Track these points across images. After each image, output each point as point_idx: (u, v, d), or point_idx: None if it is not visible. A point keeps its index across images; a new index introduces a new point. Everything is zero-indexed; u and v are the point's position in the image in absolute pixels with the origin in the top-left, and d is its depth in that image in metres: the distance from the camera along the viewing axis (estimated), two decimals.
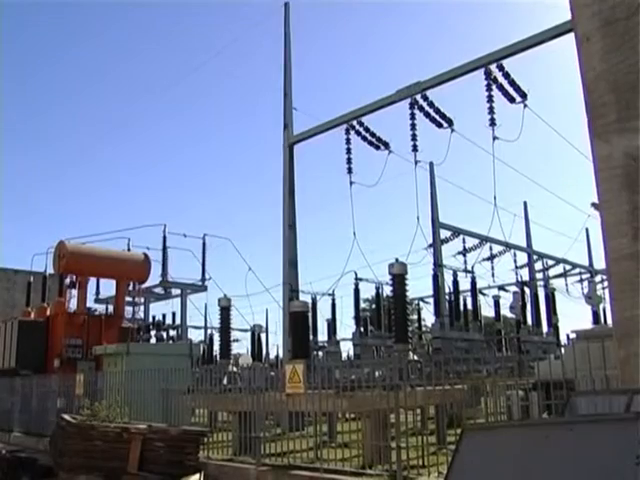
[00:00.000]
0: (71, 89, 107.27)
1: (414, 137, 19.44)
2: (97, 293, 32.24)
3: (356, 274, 25.73)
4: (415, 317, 36.09)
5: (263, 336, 34.14)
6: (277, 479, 10.88)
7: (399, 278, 13.70)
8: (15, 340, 23.05)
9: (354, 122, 21.00)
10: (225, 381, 15.95)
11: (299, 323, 15.77)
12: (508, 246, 30.25)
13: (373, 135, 21.25)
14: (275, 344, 49.39)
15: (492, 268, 31.32)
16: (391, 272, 13.88)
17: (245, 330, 35.30)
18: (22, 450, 16.05)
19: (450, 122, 19.99)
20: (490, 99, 17.99)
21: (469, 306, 27.22)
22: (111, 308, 26.45)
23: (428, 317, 34.40)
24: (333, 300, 28.74)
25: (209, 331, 36.20)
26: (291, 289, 21.11)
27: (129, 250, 27.49)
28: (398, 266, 13.78)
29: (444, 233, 26.27)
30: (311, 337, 22.71)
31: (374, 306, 39.41)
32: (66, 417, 13.90)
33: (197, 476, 11.44)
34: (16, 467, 13.84)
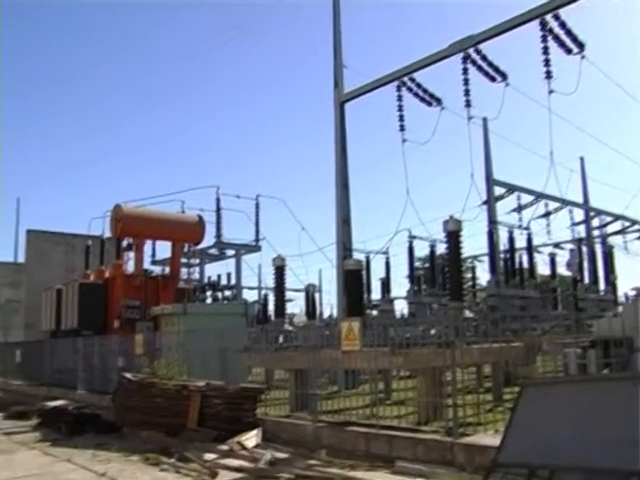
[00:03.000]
0: (130, 47, 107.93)
1: (467, 92, 19.05)
2: (153, 255, 32.77)
3: (410, 232, 25.58)
4: (469, 276, 35.81)
5: (317, 296, 34.37)
6: (334, 435, 10.98)
7: (454, 235, 13.54)
8: (76, 302, 23.65)
9: (405, 78, 20.65)
10: (281, 340, 16.14)
11: (353, 281, 15.78)
12: (564, 202, 29.64)
13: (425, 91, 20.88)
14: (329, 303, 49.64)
15: (548, 225, 30.76)
16: (446, 229, 13.72)
17: (298, 290, 35.58)
18: (86, 407, 16.55)
19: (504, 76, 19.51)
20: (546, 51, 17.47)
21: (524, 264, 26.85)
22: (167, 270, 26.86)
23: (481, 276, 34.01)
24: (387, 258, 28.65)
25: (263, 291, 36.60)
26: (345, 248, 21.09)
27: (183, 212, 27.77)
28: (453, 223, 13.62)
29: (498, 190, 25.83)
30: (365, 296, 22.71)
31: (427, 265, 39.17)
32: (127, 375, 14.26)
33: (255, 432, 11.63)
34: (82, 422, 14.28)
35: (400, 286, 34.02)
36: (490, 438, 9.11)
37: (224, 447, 11.01)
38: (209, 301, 30.47)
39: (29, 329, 35.65)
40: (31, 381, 25.90)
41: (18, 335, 38.96)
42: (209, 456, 10.55)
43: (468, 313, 14.35)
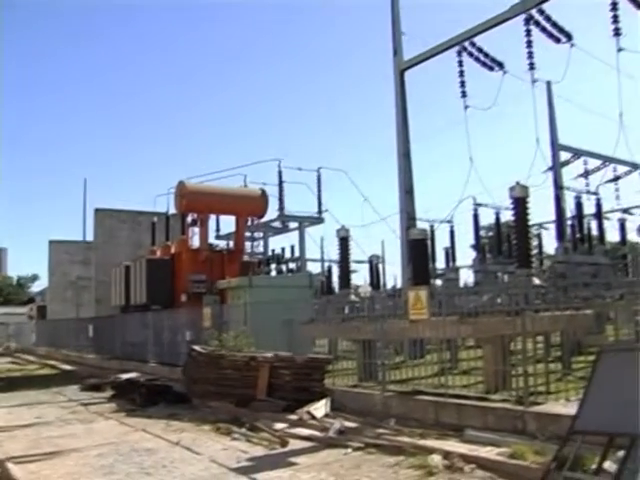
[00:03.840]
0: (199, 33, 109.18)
1: (530, 55, 18.56)
2: (217, 230, 33.16)
3: (475, 200, 25.22)
4: (535, 243, 35.11)
5: (380, 266, 34.28)
6: (402, 404, 10.98)
7: (520, 201, 13.24)
8: (144, 278, 24.17)
9: (466, 43, 20.23)
10: (346, 311, 16.17)
11: (418, 250, 15.68)
12: (635, 166, 28.72)
13: (486, 56, 20.44)
14: (392, 274, 49.50)
15: (616, 190, 29.84)
16: (512, 195, 13.43)
17: (361, 261, 35.52)
18: (157, 378, 16.95)
19: (569, 36, 18.94)
20: (614, 7, 16.88)
21: (592, 230, 26.21)
22: (232, 244, 27.16)
23: (547, 244, 33.30)
24: (451, 227, 28.34)
25: (326, 263, 36.68)
26: (408, 217, 20.93)
27: (246, 186, 27.97)
28: (519, 189, 13.31)
29: (564, 155, 25.20)
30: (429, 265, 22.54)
31: (490, 234, 38.59)
32: (196, 348, 14.53)
33: (323, 402, 11.71)
34: (154, 394, 14.64)
35: (462, 256, 33.66)
36: (561, 407, 8.99)
37: (293, 417, 11.13)
38: (273, 274, 30.74)
39: (100, 305, 36.61)
40: (103, 355, 26.69)
41: (89, 311, 40.09)
42: (279, 425, 10.69)
43: (536, 280, 14.09)
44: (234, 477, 7.70)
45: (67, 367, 27.91)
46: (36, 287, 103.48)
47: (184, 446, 9.64)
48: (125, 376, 17.39)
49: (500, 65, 20.50)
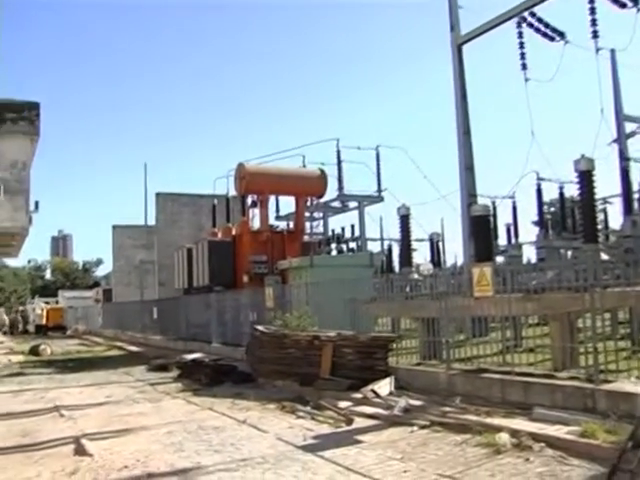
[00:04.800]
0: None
1: (594, 22, 18.02)
2: (277, 210, 33.26)
3: (538, 174, 24.67)
4: (600, 218, 34.22)
5: (440, 244, 33.93)
6: (468, 382, 10.88)
7: (586, 175, 12.93)
8: (207, 259, 24.48)
9: (526, 14, 19.75)
10: (408, 289, 16.06)
11: (481, 227, 15.48)
12: None
13: (547, 26, 19.91)
14: (452, 252, 49.07)
15: None
16: (577, 169, 13.12)
17: (421, 240, 35.24)
18: (222, 358, 17.20)
19: (635, 1, 18.27)
20: None
21: None
22: (292, 224, 27.25)
23: (612, 219, 32.37)
24: (513, 203, 27.83)
25: (386, 242, 36.49)
26: (469, 194, 20.66)
27: (304, 167, 27.97)
28: (585, 162, 12.98)
29: (629, 127, 24.42)
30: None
31: (553, 209, 37.77)
32: (260, 328, 14.66)
33: (387, 380, 11.69)
34: (219, 373, 14.86)
35: (524, 232, 33.04)
36: (633, 385, 8.78)
37: (357, 395, 11.15)
38: (334, 253, 30.74)
39: (163, 287, 37.29)
40: (168, 336, 27.20)
41: (153, 293, 40.86)
42: (343, 404, 10.73)
43: (604, 256, 13.76)
44: (301, 454, 7.75)
45: (133, 348, 28.56)
46: (101, 271, 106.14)
47: (250, 424, 9.76)
48: (190, 356, 17.69)
49: (561, 35, 19.97)
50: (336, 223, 36.05)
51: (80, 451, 8.25)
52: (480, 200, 21.73)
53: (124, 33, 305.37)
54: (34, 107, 37.33)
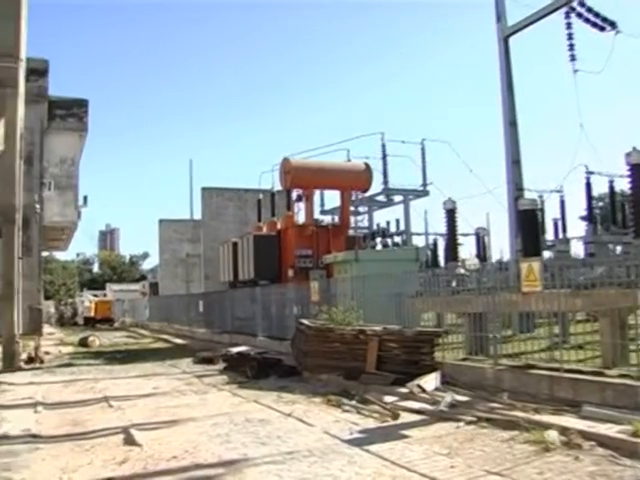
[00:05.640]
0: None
1: None
2: (322, 205, 33.32)
3: (587, 168, 24.22)
4: None
5: (486, 239, 33.59)
6: (515, 379, 10.75)
7: (637, 168, 12.62)
8: (252, 253, 24.62)
9: (575, 3, 19.38)
10: (454, 283, 15.92)
11: (529, 221, 15.26)
12: None
13: (597, 15, 19.50)
14: (497, 246, 48.52)
15: None
16: (628, 162, 12.82)
17: (466, 234, 34.95)
18: (267, 352, 17.32)
19: None
20: None
21: None
22: (336, 218, 27.25)
23: None
24: (561, 197, 27.42)
25: (431, 237, 36.27)
26: (516, 188, 20.39)
27: (349, 161, 27.92)
28: (636, 154, 12.67)
29: None
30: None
31: (601, 204, 37.06)
32: (305, 322, 14.70)
33: (434, 375, 11.63)
34: (264, 367, 14.96)
35: (570, 227, 32.51)
36: None
37: (403, 390, 11.12)
38: (379, 248, 30.65)
39: (208, 281, 37.67)
40: (213, 329, 27.46)
41: (199, 287, 41.33)
42: (389, 398, 10.71)
43: None
44: (347, 448, 7.75)
45: (179, 341, 28.92)
46: (147, 265, 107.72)
47: (296, 417, 9.80)
48: (235, 349, 17.83)
49: (612, 25, 19.54)
50: (381, 217, 35.96)
51: (129, 441, 8.38)
52: (527, 194, 21.44)
53: (170, 27, 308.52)
54: (82, 104, 37.99)
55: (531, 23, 21.03)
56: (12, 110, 18.30)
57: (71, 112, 36.03)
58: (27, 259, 23.75)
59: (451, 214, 17.81)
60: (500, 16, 21.90)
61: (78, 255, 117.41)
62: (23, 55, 18.62)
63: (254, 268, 24.41)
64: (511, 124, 21.20)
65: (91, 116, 36.76)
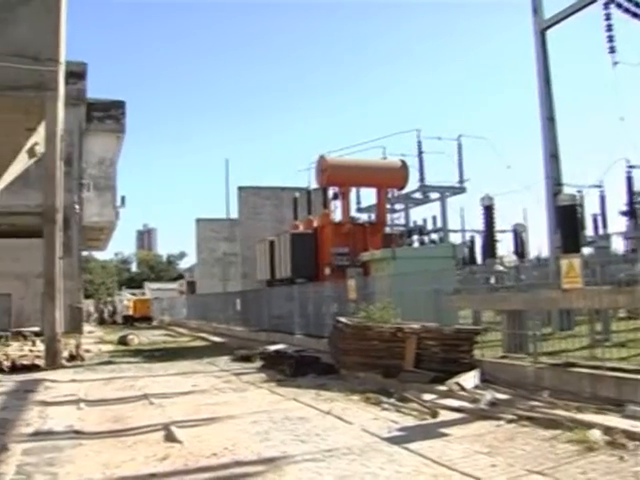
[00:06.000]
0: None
1: None
2: (358, 202, 33.29)
3: (628, 162, 23.80)
4: None
5: (523, 236, 33.27)
6: (556, 377, 10.62)
7: None
8: (289, 251, 24.67)
9: None
10: (492, 280, 15.82)
11: (568, 217, 15.07)
12: None
13: (637, 5, 19.13)
14: (535, 243, 48.00)
15: None
16: None
17: (503, 231, 34.69)
18: (304, 350, 17.35)
19: None
20: None
21: None
22: (373, 216, 27.20)
23: None
24: (601, 192, 27.02)
25: (468, 234, 36.05)
26: (554, 183, 20.13)
27: (385, 158, 27.85)
28: None
29: None
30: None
31: None
32: (342, 320, 14.68)
33: (472, 373, 11.54)
34: (302, 365, 14.98)
35: (612, 222, 32.02)
36: None
37: (442, 388, 11.05)
38: (415, 245, 30.56)
39: (245, 279, 37.90)
40: (251, 327, 27.58)
41: (236, 285, 41.58)
42: (427, 396, 10.65)
43: None
44: (387, 446, 7.72)
45: (217, 339, 29.12)
46: (184, 264, 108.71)
47: (335, 415, 9.79)
48: (273, 347, 17.90)
49: None
50: (417, 215, 35.85)
51: (170, 438, 8.44)
52: (566, 189, 21.16)
53: (202, 24, 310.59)
54: (120, 105, 38.65)
55: (569, 15, 20.71)
56: (52, 113, 18.63)
57: (109, 114, 36.61)
58: (67, 259, 24.15)
59: (488, 211, 17.66)
60: (536, 9, 21.61)
61: (116, 254, 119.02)
62: (62, 59, 18.95)
63: (291, 266, 24.46)
64: (549, 119, 20.93)
65: (128, 116, 37.38)
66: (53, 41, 18.62)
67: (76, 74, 31.33)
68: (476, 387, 11.04)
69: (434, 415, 9.36)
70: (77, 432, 9.07)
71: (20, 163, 21.27)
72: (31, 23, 18.35)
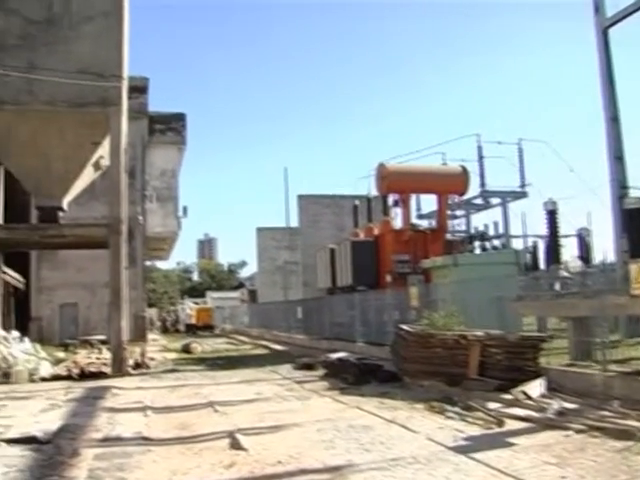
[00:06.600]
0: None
1: None
2: (418, 209, 33.14)
3: None
4: None
5: (588, 240, 32.53)
6: (627, 386, 10.33)
7: None
8: (350, 259, 24.72)
9: None
10: (557, 287, 15.53)
11: (636, 220, 14.69)
12: None
13: None
14: (601, 248, 46.94)
15: None
16: None
17: (567, 236, 33.98)
18: (366, 357, 17.29)
19: None
20: None
21: None
22: (433, 223, 27.03)
23: None
24: None
25: (531, 239, 35.44)
26: (620, 186, 19.62)
27: (445, 164, 27.67)
28: None
29: None
30: None
31: None
32: (405, 327, 14.61)
33: (538, 381, 11.34)
34: (365, 373, 14.94)
35: None
36: None
37: (507, 396, 10.88)
38: (477, 251, 30.24)
39: (306, 287, 38.09)
40: (312, 335, 27.66)
41: (296, 293, 41.80)
42: (492, 405, 10.50)
43: None
44: (452, 455, 7.64)
45: (278, 347, 29.26)
46: (245, 272, 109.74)
47: (399, 424, 9.73)
48: (335, 355, 17.89)
49: None
50: (478, 220, 35.46)
51: (235, 445, 8.52)
52: (632, 192, 20.60)
53: (259, 31, 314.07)
54: (180, 118, 39.41)
55: (632, 12, 20.19)
56: (116, 127, 19.13)
57: (170, 126, 37.35)
58: (132, 269, 24.66)
59: (552, 215, 17.35)
60: (598, 7, 21.14)
61: (178, 264, 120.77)
62: (125, 74, 19.45)
63: (352, 274, 24.48)
64: (613, 119, 20.41)
65: (188, 127, 38.03)
66: (116, 58, 19.15)
67: (138, 88, 32.05)
68: (542, 396, 10.84)
69: (500, 424, 9.22)
70: (145, 438, 9.24)
71: (86, 176, 21.86)
72: (95, 41, 18.94)
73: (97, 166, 21.58)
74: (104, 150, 20.35)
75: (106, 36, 19.12)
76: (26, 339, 21.30)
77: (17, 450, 8.52)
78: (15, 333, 21.11)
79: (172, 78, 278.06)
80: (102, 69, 18.68)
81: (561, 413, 9.45)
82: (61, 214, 21.67)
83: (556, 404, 9.80)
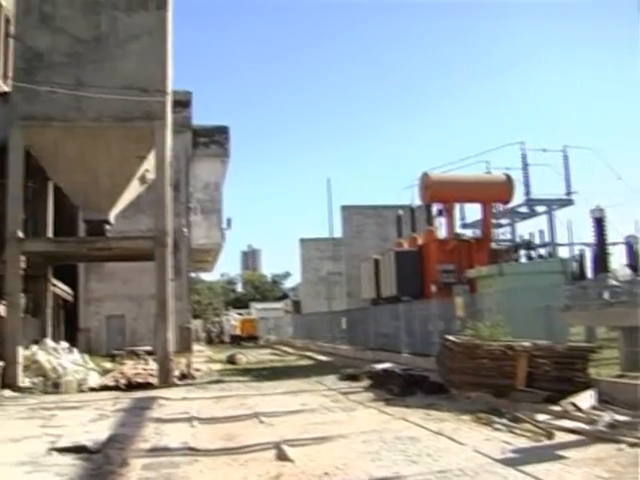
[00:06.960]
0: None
1: None
2: (462, 218, 32.84)
3: None
4: None
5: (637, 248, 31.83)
6: None
7: None
8: (394, 270, 24.62)
9: None
10: (606, 296, 15.22)
11: None
12: None
13: None
14: None
15: None
16: None
17: (615, 243, 33.29)
18: (412, 368, 17.18)
19: None
20: None
21: None
22: (478, 232, 26.78)
23: None
24: None
25: (576, 247, 34.83)
26: None
27: (489, 173, 27.42)
28: None
29: None
30: None
31: None
32: (450, 338, 14.48)
33: (588, 393, 11.13)
34: (410, 384, 14.83)
35: None
36: None
37: (556, 408, 10.69)
38: (523, 260, 29.84)
39: (350, 298, 38.04)
40: (356, 345, 27.59)
41: (340, 304, 41.75)
42: (541, 417, 10.34)
43: None
44: (501, 468, 7.52)
45: (323, 358, 29.24)
46: (289, 283, 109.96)
47: (446, 435, 9.62)
48: (380, 366, 17.80)
49: None
50: (524, 229, 35.00)
51: (281, 456, 8.52)
52: None
53: (305, 49, 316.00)
54: (223, 131, 39.82)
55: None
56: (161, 141, 19.42)
57: (213, 139, 37.74)
58: (177, 281, 24.93)
59: (599, 223, 17.04)
60: None
61: (222, 275, 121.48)
62: (169, 89, 19.77)
63: (396, 284, 24.37)
64: None
65: (231, 139, 38.39)
66: (160, 74, 19.48)
67: (182, 103, 32.46)
68: (593, 407, 10.64)
69: (549, 436, 9.07)
70: (191, 449, 9.30)
71: (132, 190, 22.19)
72: (140, 58, 19.30)
73: (143, 180, 21.89)
74: (149, 164, 20.64)
75: (151, 53, 19.47)
76: (75, 350, 21.65)
77: (68, 459, 8.68)
78: (64, 344, 21.46)
79: (215, 91, 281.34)
80: (147, 85, 18.99)
81: (612, 426, 9.25)
82: (108, 227, 22.00)
83: (607, 416, 9.60)
